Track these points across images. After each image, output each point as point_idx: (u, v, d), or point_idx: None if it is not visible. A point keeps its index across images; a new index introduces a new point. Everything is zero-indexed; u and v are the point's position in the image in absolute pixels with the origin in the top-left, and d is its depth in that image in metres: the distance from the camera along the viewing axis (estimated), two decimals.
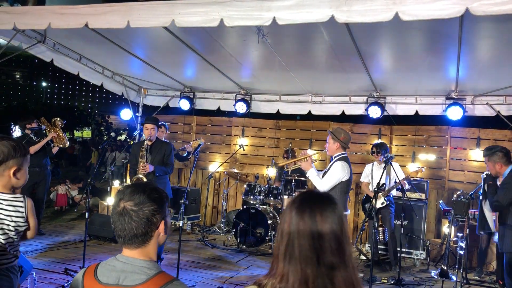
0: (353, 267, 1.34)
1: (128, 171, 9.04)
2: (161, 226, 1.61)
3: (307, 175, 4.74)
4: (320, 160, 8.44)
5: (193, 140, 8.60)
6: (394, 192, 6.46)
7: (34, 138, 6.83)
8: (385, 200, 6.24)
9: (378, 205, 6.16)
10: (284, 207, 7.07)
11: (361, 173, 6.93)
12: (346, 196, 4.75)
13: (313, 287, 1.28)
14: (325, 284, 1.28)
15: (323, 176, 4.65)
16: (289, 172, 7.29)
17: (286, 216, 1.38)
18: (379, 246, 6.72)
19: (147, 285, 1.50)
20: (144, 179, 5.18)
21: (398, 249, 6.33)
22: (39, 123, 6.94)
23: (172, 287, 1.51)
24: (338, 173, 4.51)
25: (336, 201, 1.42)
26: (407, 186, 6.30)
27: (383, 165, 5.73)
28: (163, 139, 7.56)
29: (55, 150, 7.09)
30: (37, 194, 7.05)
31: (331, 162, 4.69)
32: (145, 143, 5.36)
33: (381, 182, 6.27)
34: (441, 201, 7.31)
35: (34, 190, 7.01)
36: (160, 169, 5.41)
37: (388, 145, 7.01)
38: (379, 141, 7.58)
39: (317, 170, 4.79)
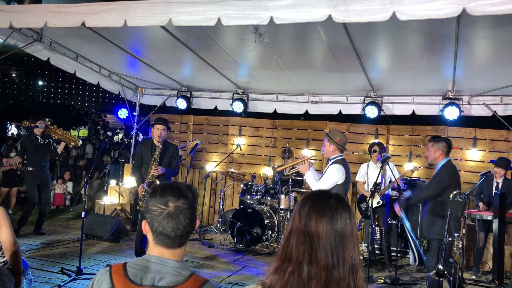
0: (351, 269, 1.30)
1: (130, 171, 9.03)
2: (197, 223, 1.66)
3: (304, 178, 4.72)
4: (317, 160, 8.43)
5: (190, 141, 8.59)
6: (390, 192, 6.46)
7: (39, 140, 6.88)
8: (380, 199, 6.25)
9: (374, 204, 6.16)
10: (281, 207, 7.08)
11: (357, 173, 6.92)
12: None
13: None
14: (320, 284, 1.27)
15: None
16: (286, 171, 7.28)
17: (291, 216, 1.38)
18: (376, 246, 6.72)
19: (184, 287, 1.50)
20: (157, 181, 5.32)
21: (393, 248, 6.35)
22: (44, 123, 6.94)
23: None
24: (333, 176, 4.48)
25: (345, 201, 1.38)
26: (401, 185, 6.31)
27: (380, 165, 5.74)
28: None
29: (60, 149, 7.15)
30: (43, 199, 7.09)
31: (327, 165, 4.67)
32: (158, 145, 5.52)
33: (377, 181, 6.28)
34: None
35: (40, 190, 7.02)
36: (170, 171, 5.61)
37: (384, 145, 7.02)
38: (376, 140, 7.59)
39: (316, 170, 4.78)
